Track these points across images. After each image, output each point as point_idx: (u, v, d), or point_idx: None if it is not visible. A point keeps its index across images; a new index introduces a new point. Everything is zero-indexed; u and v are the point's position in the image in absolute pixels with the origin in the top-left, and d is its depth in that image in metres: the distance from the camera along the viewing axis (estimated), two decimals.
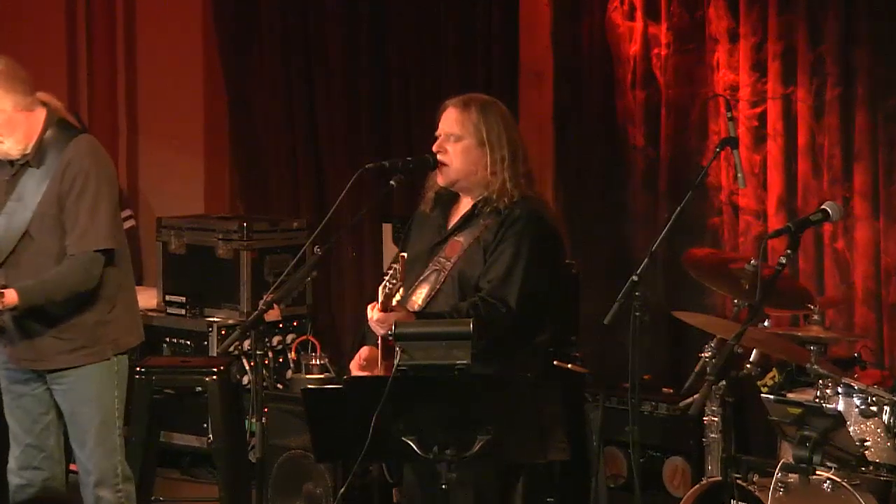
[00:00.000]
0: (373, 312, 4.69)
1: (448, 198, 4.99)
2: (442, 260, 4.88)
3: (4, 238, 5.19)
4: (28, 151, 5.19)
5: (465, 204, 4.94)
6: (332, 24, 7.94)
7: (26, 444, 5.33)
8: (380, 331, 4.69)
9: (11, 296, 5.04)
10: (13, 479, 5.36)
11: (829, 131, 6.41)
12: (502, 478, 4.80)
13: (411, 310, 4.79)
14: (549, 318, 4.90)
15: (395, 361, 4.17)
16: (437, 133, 4.93)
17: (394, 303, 4.66)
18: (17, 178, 5.22)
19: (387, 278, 4.62)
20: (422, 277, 4.88)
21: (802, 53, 6.45)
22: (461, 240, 4.87)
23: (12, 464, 5.37)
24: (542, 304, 4.81)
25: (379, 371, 4.74)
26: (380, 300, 4.65)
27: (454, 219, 4.95)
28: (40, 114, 5.20)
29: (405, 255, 4.70)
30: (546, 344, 4.92)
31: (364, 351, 4.85)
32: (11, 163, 5.23)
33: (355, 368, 4.85)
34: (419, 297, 4.86)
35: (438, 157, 4.88)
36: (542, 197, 5.02)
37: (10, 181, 5.23)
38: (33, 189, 5.18)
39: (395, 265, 4.61)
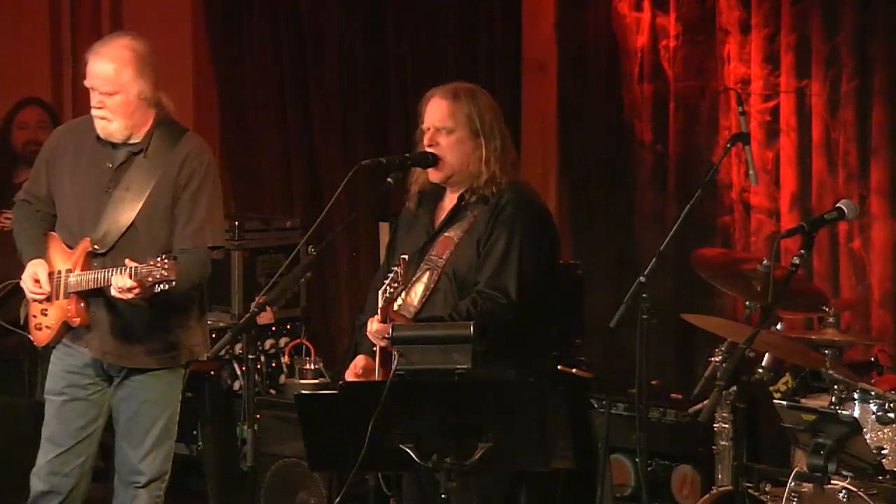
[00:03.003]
0: (372, 324, 4.70)
1: (432, 194, 5.01)
2: (433, 258, 4.89)
3: (111, 228, 5.24)
4: (138, 140, 5.27)
5: (451, 199, 4.96)
6: (328, 12, 7.95)
7: (64, 450, 5.35)
8: (380, 343, 4.69)
9: (174, 273, 5.03)
10: (37, 485, 5.37)
11: (844, 126, 6.41)
12: (505, 487, 4.81)
13: (407, 313, 4.80)
14: (553, 310, 4.91)
15: (393, 366, 4.17)
16: (424, 125, 4.93)
17: (395, 307, 4.67)
18: (125, 168, 5.28)
19: (387, 282, 4.63)
20: (415, 278, 4.90)
21: (817, 45, 6.46)
22: (451, 235, 4.90)
23: (42, 467, 5.38)
24: (543, 289, 4.82)
25: (377, 378, 4.74)
26: (379, 305, 4.66)
27: (441, 215, 4.98)
28: (153, 109, 5.29)
29: (406, 257, 4.71)
30: (552, 339, 4.93)
31: (360, 360, 4.86)
32: (114, 146, 5.28)
33: (351, 378, 4.85)
34: (415, 297, 4.88)
35: (431, 151, 4.89)
36: (525, 181, 5.06)
37: (117, 170, 5.28)
38: (143, 180, 5.25)
39: (395, 268, 4.62)
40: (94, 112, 5.26)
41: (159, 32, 8.39)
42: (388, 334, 4.39)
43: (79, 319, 5.25)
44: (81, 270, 5.22)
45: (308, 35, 8.03)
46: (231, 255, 7.41)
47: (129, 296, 5.03)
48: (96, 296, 5.22)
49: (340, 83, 7.93)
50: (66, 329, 5.29)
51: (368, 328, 4.72)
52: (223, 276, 7.42)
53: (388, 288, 4.62)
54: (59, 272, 5.26)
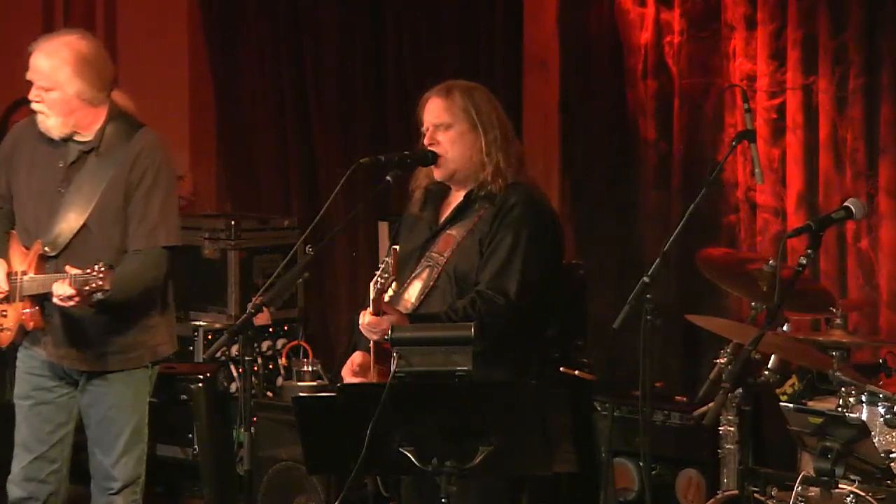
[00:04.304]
0: (364, 316, 4.70)
1: (438, 193, 5.03)
2: (434, 255, 4.90)
3: (63, 229, 5.21)
4: (89, 139, 5.24)
5: (457, 197, 4.98)
6: (326, 9, 7.95)
7: (37, 455, 5.34)
8: (372, 336, 4.70)
9: (108, 282, 5.00)
10: (14, 491, 5.36)
11: (852, 123, 6.41)
12: (506, 490, 4.80)
13: (404, 310, 4.80)
14: (554, 310, 4.92)
15: (392, 368, 4.17)
16: (423, 128, 4.96)
17: (386, 299, 4.66)
18: (78, 167, 5.26)
19: (378, 273, 4.63)
20: (413, 274, 4.90)
21: (824, 41, 6.46)
22: (454, 233, 4.91)
23: (17, 474, 5.37)
24: (545, 293, 4.83)
25: (372, 377, 4.75)
26: (371, 297, 4.66)
27: (446, 212, 4.99)
28: (103, 108, 5.26)
29: (397, 247, 4.72)
30: (553, 340, 4.93)
31: (357, 356, 4.87)
32: (66, 143, 5.25)
33: (348, 375, 4.86)
34: (412, 294, 4.88)
35: (431, 149, 4.91)
36: (533, 179, 5.07)
37: (70, 169, 5.26)
38: (95, 179, 5.22)
39: (386, 259, 4.63)
40: (32, 105, 5.24)
41: (155, 31, 8.43)
42: (387, 335, 4.38)
43: (33, 323, 5.22)
44: (35, 273, 5.19)
45: (306, 33, 8.03)
46: (227, 255, 7.43)
47: (70, 303, 5.01)
48: (51, 299, 5.16)
49: (339, 81, 7.93)
50: (23, 332, 5.27)
51: (360, 321, 4.72)
52: (219, 276, 7.44)
53: (378, 279, 4.62)
54: (17, 273, 5.23)
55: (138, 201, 5.20)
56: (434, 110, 4.94)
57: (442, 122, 4.92)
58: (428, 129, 4.94)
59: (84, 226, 5.20)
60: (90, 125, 5.24)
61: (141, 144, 5.25)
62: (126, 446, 5.31)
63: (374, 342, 4.73)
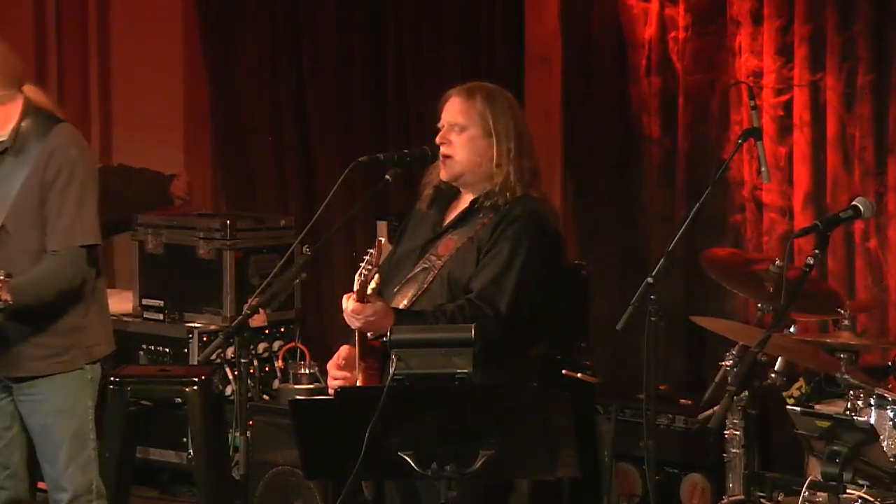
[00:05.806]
0: (347, 303, 4.71)
1: (448, 193, 5.01)
2: (432, 258, 4.90)
3: None
4: (3, 139, 5.19)
5: (465, 200, 4.97)
6: (325, 8, 7.95)
7: None
8: (354, 323, 4.70)
9: (6, 292, 4.97)
10: None
11: (860, 121, 6.41)
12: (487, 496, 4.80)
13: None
14: (546, 328, 4.90)
15: (391, 370, 4.17)
16: (439, 124, 4.96)
17: (369, 290, 4.67)
18: None
19: (362, 265, 4.64)
20: (409, 276, 4.90)
21: (832, 36, 6.46)
22: (454, 238, 4.90)
23: None
24: (538, 310, 4.81)
25: (357, 372, 4.75)
26: (355, 288, 4.66)
27: (451, 215, 4.98)
28: (15, 105, 5.22)
29: (382, 239, 4.71)
30: (541, 357, 4.93)
31: (343, 350, 4.87)
32: None
33: (333, 368, 4.87)
34: (404, 297, 4.88)
35: (442, 148, 4.91)
36: (545, 195, 5.04)
37: None
38: (10, 179, 5.17)
39: (370, 250, 4.63)
40: None
41: (149, 29, 8.44)
42: (375, 331, 4.38)
43: None
44: None
45: (305, 33, 8.02)
46: (222, 255, 7.42)
47: None
48: None
49: (338, 81, 7.93)
50: None
51: (344, 306, 4.72)
52: (214, 276, 7.44)
53: (362, 270, 4.63)
54: None
55: (53, 201, 5.15)
56: (452, 109, 4.94)
57: (457, 123, 4.91)
58: (443, 126, 4.94)
59: (1, 228, 5.16)
60: (3, 124, 5.20)
61: (56, 142, 5.19)
62: (69, 454, 5.25)
63: (360, 338, 4.73)
